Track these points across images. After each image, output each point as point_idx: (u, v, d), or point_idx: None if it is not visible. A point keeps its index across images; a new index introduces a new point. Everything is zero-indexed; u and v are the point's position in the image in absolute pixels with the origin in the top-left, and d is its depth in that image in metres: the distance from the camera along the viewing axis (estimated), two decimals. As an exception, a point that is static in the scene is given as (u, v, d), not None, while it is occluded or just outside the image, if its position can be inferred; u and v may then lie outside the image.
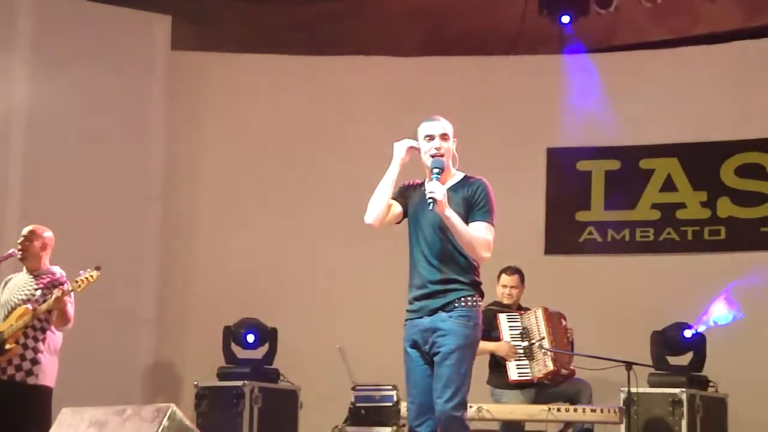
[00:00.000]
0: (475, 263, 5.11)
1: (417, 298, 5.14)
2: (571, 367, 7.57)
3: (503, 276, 7.78)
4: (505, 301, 7.75)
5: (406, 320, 5.18)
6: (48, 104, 9.21)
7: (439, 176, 5.07)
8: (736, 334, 8.56)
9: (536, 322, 7.52)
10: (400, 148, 5.19)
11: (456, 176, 5.23)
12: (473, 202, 5.12)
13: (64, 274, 6.93)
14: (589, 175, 9.65)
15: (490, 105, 9.61)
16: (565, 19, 9.61)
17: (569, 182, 9.65)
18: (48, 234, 7.08)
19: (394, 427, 7.70)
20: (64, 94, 9.19)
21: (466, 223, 5.05)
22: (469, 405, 6.43)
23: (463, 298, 5.06)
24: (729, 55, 9.34)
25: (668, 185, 9.42)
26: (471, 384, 5.05)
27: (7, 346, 6.73)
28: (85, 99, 9.27)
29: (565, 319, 7.71)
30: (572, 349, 7.64)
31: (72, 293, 6.75)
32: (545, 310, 7.56)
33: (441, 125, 5.22)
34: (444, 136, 5.19)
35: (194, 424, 7.13)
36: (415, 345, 5.11)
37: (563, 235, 9.57)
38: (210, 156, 9.92)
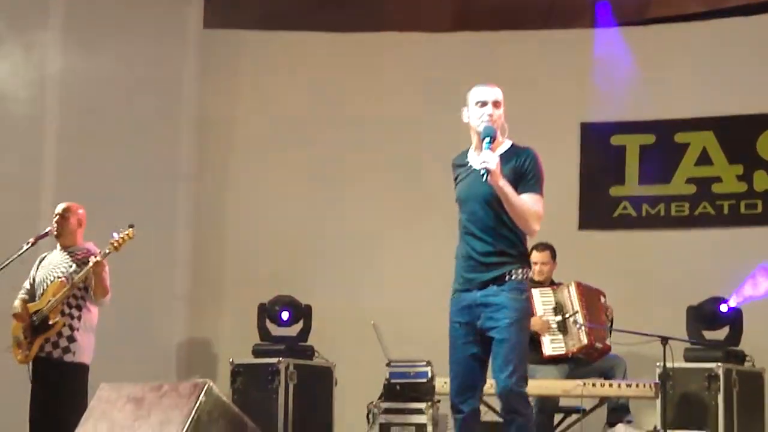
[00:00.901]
0: (522, 235, 5.02)
1: (465, 272, 5.04)
2: (607, 343, 7.54)
3: (534, 253, 7.74)
4: (537, 278, 7.72)
5: (454, 294, 5.09)
6: (81, 82, 9.25)
7: (490, 145, 4.95)
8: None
9: (569, 296, 7.51)
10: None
11: (504, 144, 5.09)
12: (523, 172, 5.00)
13: (98, 250, 6.97)
14: (624, 149, 9.58)
15: (523, 80, 9.52)
16: (598, -8, 9.56)
17: (603, 157, 9.60)
18: (82, 211, 7.14)
19: (429, 403, 7.70)
20: (97, 72, 9.22)
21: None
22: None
23: (514, 271, 4.98)
24: (764, 27, 9.24)
25: (704, 159, 9.35)
26: None
27: (51, 321, 6.79)
28: (117, 77, 9.30)
29: (604, 296, 7.68)
30: (607, 324, 7.62)
31: (106, 261, 6.79)
32: (578, 285, 7.53)
33: (494, 92, 5.09)
34: (496, 103, 5.06)
35: (230, 400, 7.19)
36: (462, 320, 5.03)
37: (597, 210, 9.52)
38: (242, 133, 9.93)
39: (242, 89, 9.95)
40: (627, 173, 9.56)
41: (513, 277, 4.98)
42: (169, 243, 9.46)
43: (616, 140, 9.61)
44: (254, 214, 9.76)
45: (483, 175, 4.85)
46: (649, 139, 9.52)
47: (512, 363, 4.89)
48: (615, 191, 9.57)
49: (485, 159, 4.86)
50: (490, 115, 5.03)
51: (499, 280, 4.97)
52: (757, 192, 9.16)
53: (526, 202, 4.95)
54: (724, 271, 8.72)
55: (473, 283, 5.01)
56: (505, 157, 5.01)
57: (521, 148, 5.10)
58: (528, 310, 5.03)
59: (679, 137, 9.41)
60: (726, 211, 9.22)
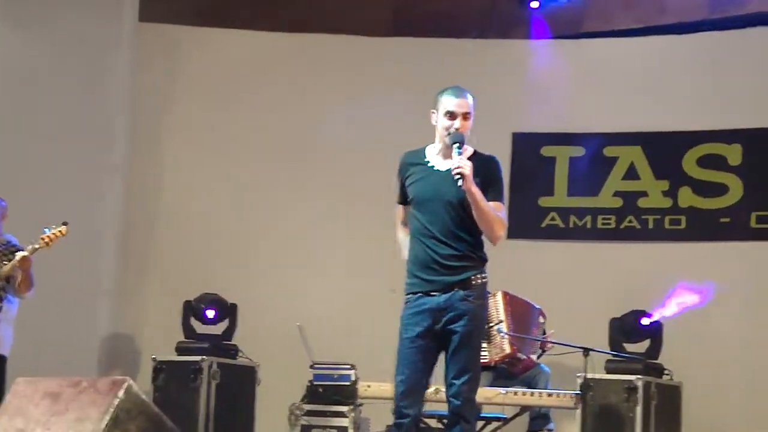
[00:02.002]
0: (481, 241, 5.01)
1: (427, 275, 4.98)
2: (531, 356, 7.58)
3: None
4: None
5: (410, 296, 5.02)
6: (10, 70, 9.12)
7: (461, 150, 4.93)
8: (692, 323, 8.63)
9: (495, 305, 7.53)
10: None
11: (467, 151, 5.06)
12: (488, 179, 4.99)
13: (18, 242, 6.88)
14: (554, 160, 9.67)
15: (456, 88, 9.58)
16: (534, 4, 9.64)
17: (533, 167, 9.67)
18: (5, 203, 7.03)
19: (352, 407, 7.71)
20: (28, 62, 9.13)
21: None
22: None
23: (478, 276, 4.97)
24: (695, 46, 9.38)
25: (631, 173, 9.46)
26: None
27: (-32, 314, 6.69)
28: (49, 66, 9.21)
29: (544, 317, 7.73)
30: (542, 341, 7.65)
31: (33, 256, 6.70)
32: (505, 294, 7.57)
33: (467, 103, 5.06)
34: (466, 116, 5.03)
35: (151, 398, 7.13)
36: (420, 323, 4.96)
37: (526, 219, 9.58)
38: (174, 128, 9.85)
39: (176, 85, 9.88)
40: (556, 184, 9.64)
41: (477, 282, 4.97)
42: (96, 236, 9.35)
43: (546, 151, 9.69)
44: (183, 211, 9.69)
45: (458, 179, 4.84)
46: (579, 151, 9.62)
47: (471, 371, 4.91)
48: (544, 202, 9.65)
49: (460, 165, 4.85)
50: (457, 129, 5.01)
51: (463, 285, 4.94)
52: (682, 208, 9.29)
53: (494, 209, 4.96)
54: (647, 284, 8.83)
55: (435, 286, 4.96)
56: (482, 164, 5.00)
57: (485, 156, 5.08)
58: (486, 317, 5.12)
59: (608, 151, 9.52)
60: (651, 225, 9.34)
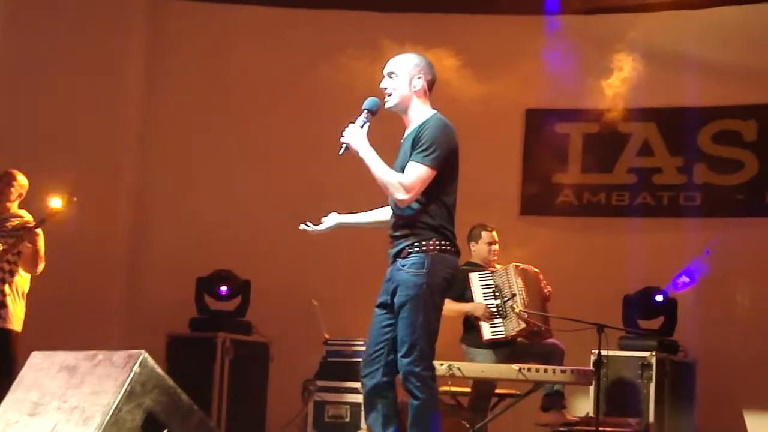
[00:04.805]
0: (435, 208, 4.82)
1: (389, 248, 4.96)
2: (549, 327, 7.58)
3: (486, 233, 7.74)
4: (493, 258, 7.75)
5: None
6: (24, 49, 9.11)
7: (367, 118, 4.83)
8: (707, 300, 8.61)
9: (508, 279, 7.51)
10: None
11: (423, 117, 4.89)
12: (416, 142, 4.80)
13: (32, 218, 6.88)
14: (567, 137, 9.65)
15: (470, 64, 9.53)
16: (547, -22, 9.59)
17: (547, 144, 9.65)
18: (24, 180, 7.04)
19: (365, 382, 7.71)
20: (40, 40, 9.10)
21: None
22: (440, 363, 6.49)
23: (416, 244, 4.80)
24: (709, 21, 9.32)
25: (645, 150, 9.43)
26: (436, 338, 4.85)
27: (-22, 288, 6.70)
28: (61, 44, 9.19)
29: (541, 276, 7.72)
30: (547, 308, 7.64)
31: (41, 231, 6.70)
32: (516, 267, 7.54)
33: (389, 63, 4.93)
34: (390, 75, 4.91)
35: (165, 373, 7.14)
36: (381, 293, 4.93)
37: (539, 196, 9.57)
38: (189, 103, 9.83)
39: (191, 60, 9.85)
40: (570, 161, 9.62)
41: (416, 250, 4.79)
42: (110, 212, 9.37)
43: (560, 128, 9.66)
44: (197, 186, 9.69)
45: (341, 148, 4.80)
46: (593, 128, 9.58)
47: (406, 343, 4.75)
48: (557, 178, 9.62)
49: (346, 133, 4.80)
50: (383, 88, 4.92)
51: (402, 254, 4.83)
52: (696, 184, 9.26)
53: (388, 171, 4.76)
54: (661, 261, 8.82)
55: (390, 259, 4.92)
56: (417, 130, 4.86)
57: (430, 117, 4.89)
58: (430, 285, 4.77)
59: (622, 127, 9.48)
60: (665, 201, 9.32)
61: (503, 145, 9.58)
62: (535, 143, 9.66)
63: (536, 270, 7.69)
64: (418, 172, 4.74)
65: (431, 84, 4.99)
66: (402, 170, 4.81)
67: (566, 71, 9.52)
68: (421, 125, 4.85)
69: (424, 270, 4.78)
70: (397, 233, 4.87)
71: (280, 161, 9.69)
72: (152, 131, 9.74)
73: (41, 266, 6.85)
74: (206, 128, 9.78)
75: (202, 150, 9.76)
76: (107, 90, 9.48)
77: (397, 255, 4.84)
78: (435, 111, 4.96)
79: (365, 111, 4.87)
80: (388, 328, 4.88)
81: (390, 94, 4.91)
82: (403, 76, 4.89)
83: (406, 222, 4.84)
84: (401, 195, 4.74)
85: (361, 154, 4.76)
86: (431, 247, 4.80)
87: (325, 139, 9.44)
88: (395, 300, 4.82)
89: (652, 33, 9.45)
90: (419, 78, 4.92)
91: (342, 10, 9.77)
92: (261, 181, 9.64)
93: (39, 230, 6.71)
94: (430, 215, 4.83)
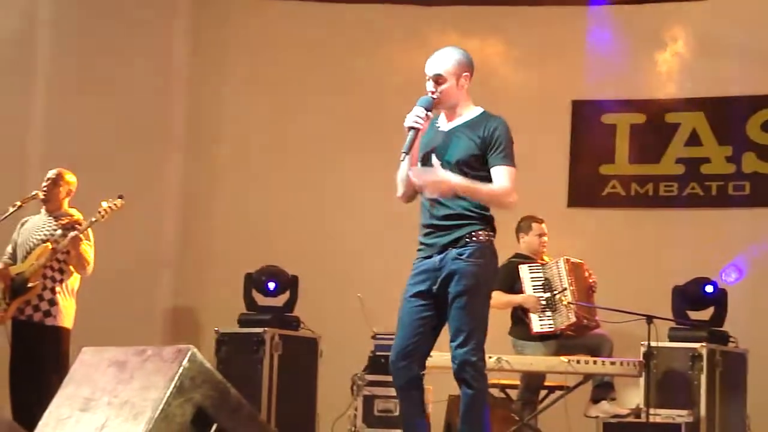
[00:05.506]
0: None
1: (426, 239, 4.94)
2: (596, 318, 7.56)
3: (536, 225, 7.76)
4: (542, 250, 7.74)
5: (415, 261, 4.98)
6: (70, 45, 9.20)
7: (420, 119, 4.84)
8: (757, 290, 8.52)
9: (558, 272, 7.50)
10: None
11: (472, 111, 4.98)
12: (490, 143, 4.86)
13: (82, 218, 6.95)
14: (614, 128, 9.59)
15: (516, 56, 9.51)
16: (593, -32, 9.54)
17: (594, 135, 9.61)
18: (73, 179, 7.12)
19: (413, 376, 7.70)
20: (86, 36, 9.18)
21: (486, 165, 4.87)
22: (488, 355, 6.47)
23: (474, 233, 4.84)
24: (759, 9, 9.22)
25: (693, 140, 9.36)
26: (488, 330, 4.88)
27: (30, 284, 6.78)
28: (108, 40, 9.26)
29: (587, 269, 7.69)
30: (593, 298, 7.62)
31: (87, 234, 6.77)
32: (567, 261, 7.53)
33: (433, 64, 4.95)
34: (437, 78, 4.92)
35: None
36: (417, 283, 4.91)
37: (586, 188, 9.53)
38: (233, 103, 9.88)
39: (234, 58, 9.90)
40: (617, 152, 9.56)
41: (474, 239, 4.84)
42: (158, 210, 9.45)
43: (607, 119, 9.60)
44: (243, 184, 9.74)
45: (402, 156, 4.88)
46: (640, 118, 9.52)
47: (464, 332, 4.77)
48: (605, 170, 9.57)
49: (429, 186, 4.80)
50: (431, 92, 4.93)
51: (458, 243, 4.84)
52: (746, 174, 9.17)
53: (495, 181, 4.83)
54: (710, 251, 8.75)
55: (433, 248, 4.89)
56: (473, 124, 4.92)
57: (492, 117, 4.95)
58: (488, 276, 4.88)
59: (670, 117, 9.41)
60: (714, 192, 9.24)
61: (550, 136, 9.53)
62: (582, 134, 9.62)
63: (581, 261, 7.66)
64: (511, 175, 4.86)
65: (472, 75, 5.06)
66: (467, 155, 4.87)
67: (613, 61, 9.46)
68: (489, 125, 4.90)
69: (483, 260, 4.84)
70: (452, 222, 4.88)
71: (327, 155, 9.70)
72: (199, 126, 9.79)
73: (89, 268, 6.91)
74: (256, 122, 9.81)
75: (247, 148, 9.80)
76: (155, 86, 9.54)
77: (451, 244, 4.85)
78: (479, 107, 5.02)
79: (424, 111, 4.88)
80: (425, 319, 4.89)
81: (438, 97, 4.94)
82: (450, 78, 4.94)
83: (462, 212, 4.88)
84: (512, 199, 4.87)
85: (458, 192, 4.81)
86: (485, 237, 4.87)
87: (376, 134, 9.58)
88: (450, 289, 4.82)
89: (699, 22, 9.36)
90: (465, 75, 4.97)
91: (386, 4, 9.76)
92: (308, 177, 9.66)
93: (81, 235, 6.77)
94: (484, 207, 4.91)
